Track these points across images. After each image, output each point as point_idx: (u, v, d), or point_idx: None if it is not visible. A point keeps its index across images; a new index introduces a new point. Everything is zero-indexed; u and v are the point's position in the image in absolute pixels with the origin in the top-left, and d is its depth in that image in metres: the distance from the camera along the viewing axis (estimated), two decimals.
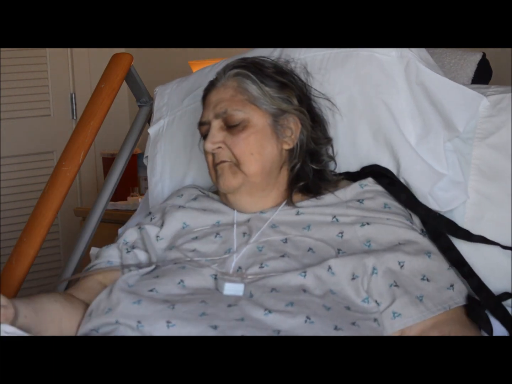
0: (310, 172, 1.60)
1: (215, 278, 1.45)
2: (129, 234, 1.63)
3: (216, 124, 1.58)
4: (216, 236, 1.56)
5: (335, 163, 1.67)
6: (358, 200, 1.57)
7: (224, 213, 1.61)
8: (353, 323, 1.35)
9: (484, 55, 2.07)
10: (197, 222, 1.61)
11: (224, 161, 1.56)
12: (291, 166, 1.60)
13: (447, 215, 1.61)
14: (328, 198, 1.59)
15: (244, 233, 1.55)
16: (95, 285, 1.54)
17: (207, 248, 1.54)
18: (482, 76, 2.04)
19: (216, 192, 1.68)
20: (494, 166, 1.61)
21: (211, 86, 1.62)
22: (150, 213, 1.70)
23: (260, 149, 1.56)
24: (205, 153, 1.60)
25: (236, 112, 1.56)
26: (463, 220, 1.60)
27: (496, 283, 1.53)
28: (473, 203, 1.61)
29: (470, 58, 2.04)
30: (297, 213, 1.57)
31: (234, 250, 1.52)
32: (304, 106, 1.62)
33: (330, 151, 1.67)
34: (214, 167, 1.58)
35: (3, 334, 1.19)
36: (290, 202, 1.58)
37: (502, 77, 2.27)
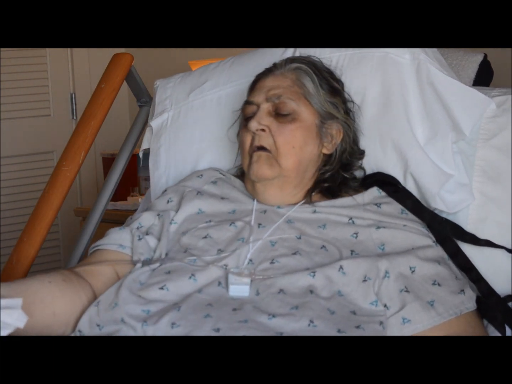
0: (338, 179, 1.62)
1: (226, 268, 1.45)
2: (145, 218, 1.61)
3: (266, 107, 1.58)
4: (230, 225, 1.55)
5: (364, 172, 1.68)
6: (376, 204, 1.58)
7: (242, 203, 1.61)
8: (357, 327, 1.34)
9: (485, 56, 2.07)
10: (213, 209, 1.61)
11: (262, 148, 1.56)
12: (324, 170, 1.61)
13: (452, 217, 1.61)
14: (345, 200, 1.59)
15: (259, 224, 1.54)
16: (106, 270, 1.52)
17: (220, 235, 1.53)
18: (484, 77, 2.04)
19: (238, 176, 1.69)
20: (498, 167, 1.60)
21: (268, 72, 1.63)
22: (165, 191, 1.69)
23: (302, 144, 1.56)
24: (244, 134, 1.59)
25: (289, 101, 1.57)
26: (466, 222, 1.60)
27: (498, 285, 1.53)
28: (477, 204, 1.61)
29: (471, 59, 2.04)
30: (314, 212, 1.57)
31: (250, 240, 1.50)
32: (349, 117, 1.64)
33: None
34: (250, 152, 1.58)
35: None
36: (309, 200, 1.59)
37: (503, 77, 2.26)
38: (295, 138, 1.56)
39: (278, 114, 1.57)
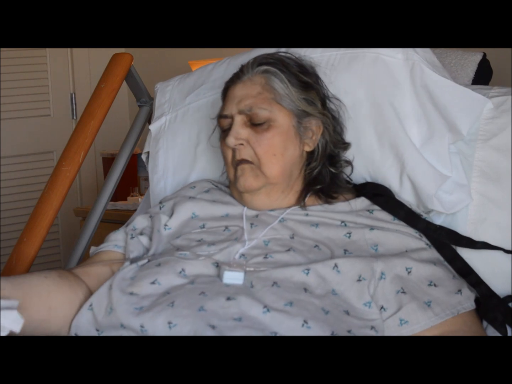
0: (327, 175, 1.61)
1: (217, 266, 1.45)
2: (138, 221, 1.63)
3: (240, 119, 1.56)
4: (224, 230, 1.56)
5: (352, 168, 1.67)
6: (368, 211, 1.57)
7: (234, 206, 1.61)
8: (349, 331, 1.34)
9: (484, 55, 2.07)
10: (206, 213, 1.61)
11: (245, 161, 1.55)
12: (310, 168, 1.60)
13: (450, 218, 1.61)
14: (338, 205, 1.59)
15: (252, 224, 1.55)
16: (101, 270, 1.53)
17: (214, 239, 1.54)
18: (483, 76, 2.04)
19: (229, 186, 1.68)
20: (497, 168, 1.60)
21: (236, 79, 1.60)
22: (160, 202, 1.70)
23: (282, 150, 1.55)
24: (224, 147, 1.59)
25: (261, 110, 1.55)
26: (466, 223, 1.60)
27: (497, 286, 1.52)
28: (476, 205, 1.60)
29: (470, 58, 2.04)
30: (306, 215, 1.57)
31: (242, 239, 1.51)
32: (327, 109, 1.62)
33: (345, 156, 1.67)
34: (234, 165, 1.57)
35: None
36: (302, 204, 1.58)
37: (502, 77, 2.26)
38: (274, 145, 1.54)
39: (254, 124, 1.55)
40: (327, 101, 1.64)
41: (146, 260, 1.50)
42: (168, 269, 1.44)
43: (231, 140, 1.55)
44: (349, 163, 1.66)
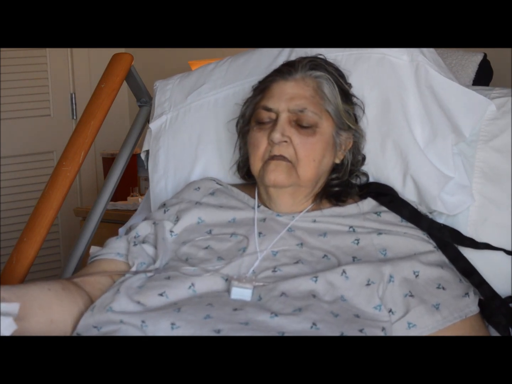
0: (343, 185, 1.61)
1: (226, 280, 1.44)
2: (142, 227, 1.61)
3: (286, 117, 1.55)
4: (231, 236, 1.55)
5: (367, 178, 1.68)
6: (376, 213, 1.57)
7: (241, 210, 1.60)
8: (361, 330, 1.34)
9: (485, 55, 2.07)
10: (212, 218, 1.59)
11: (283, 157, 1.54)
12: (332, 179, 1.60)
13: (451, 219, 1.61)
14: (345, 209, 1.58)
15: (260, 233, 1.54)
16: (102, 279, 1.52)
17: (221, 246, 1.53)
18: (483, 76, 2.04)
19: (235, 185, 1.68)
20: (498, 169, 1.60)
21: (287, 75, 1.58)
22: (164, 204, 1.68)
23: (321, 157, 1.56)
24: (259, 139, 1.56)
25: (312, 114, 1.54)
26: (466, 223, 1.60)
27: (498, 287, 1.52)
28: (477, 205, 1.60)
29: (471, 59, 2.04)
30: (314, 221, 1.56)
31: (249, 251, 1.50)
32: (358, 124, 1.62)
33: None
34: (265, 159, 1.55)
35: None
36: (318, 206, 1.58)
37: (503, 77, 2.26)
38: (316, 151, 1.55)
39: (299, 125, 1.54)
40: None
41: (152, 274, 1.49)
42: (178, 283, 1.43)
43: (277, 136, 1.53)
44: (366, 175, 1.67)
